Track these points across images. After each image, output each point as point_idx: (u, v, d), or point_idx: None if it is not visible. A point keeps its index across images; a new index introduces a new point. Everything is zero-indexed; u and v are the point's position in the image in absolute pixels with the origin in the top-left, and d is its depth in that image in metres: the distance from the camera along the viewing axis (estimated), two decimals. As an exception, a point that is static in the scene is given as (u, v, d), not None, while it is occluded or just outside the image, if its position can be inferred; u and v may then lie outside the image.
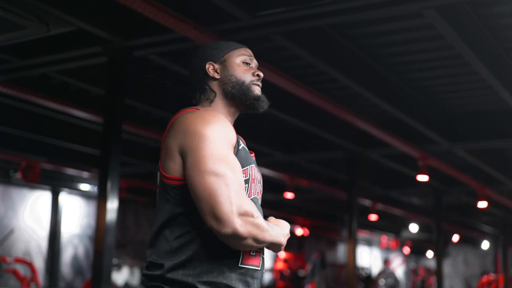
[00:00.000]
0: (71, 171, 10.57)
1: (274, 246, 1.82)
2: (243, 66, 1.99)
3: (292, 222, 16.65)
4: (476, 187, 10.46)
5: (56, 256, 11.83)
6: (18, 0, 4.15)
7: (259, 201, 1.94)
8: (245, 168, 1.84)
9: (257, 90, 1.98)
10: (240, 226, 1.69)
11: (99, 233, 4.93)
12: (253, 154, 1.96)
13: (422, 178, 8.64)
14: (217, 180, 1.71)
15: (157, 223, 1.84)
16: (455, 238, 19.14)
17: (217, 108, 1.95)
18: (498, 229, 18.25)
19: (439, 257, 12.33)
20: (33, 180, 9.54)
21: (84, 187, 11.63)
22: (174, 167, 1.80)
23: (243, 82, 1.96)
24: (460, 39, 4.64)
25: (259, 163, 2.05)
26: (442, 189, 11.78)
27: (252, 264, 1.84)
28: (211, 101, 1.97)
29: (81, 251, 12.66)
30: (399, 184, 11.74)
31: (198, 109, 1.89)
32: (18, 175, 9.53)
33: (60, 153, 9.20)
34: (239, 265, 1.80)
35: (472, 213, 15.56)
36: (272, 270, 16.59)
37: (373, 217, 13.96)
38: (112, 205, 4.96)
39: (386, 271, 17.29)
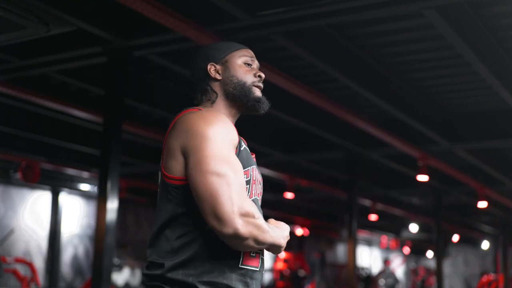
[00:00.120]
0: (71, 171, 10.57)
1: (274, 248, 1.82)
2: (245, 67, 1.99)
3: (292, 222, 16.65)
4: (476, 187, 10.46)
5: (56, 256, 11.83)
6: (18, 0, 4.14)
7: (259, 202, 1.94)
8: (246, 169, 1.84)
9: (258, 92, 1.98)
10: (241, 226, 1.69)
11: (99, 233, 4.92)
12: (253, 155, 1.96)
13: (422, 178, 8.64)
14: (219, 180, 1.71)
15: (158, 222, 1.84)
16: (455, 238, 19.14)
17: (218, 109, 1.95)
18: (498, 229, 18.25)
19: (439, 257, 12.34)
20: (33, 180, 9.54)
21: (84, 187, 11.63)
22: (176, 167, 1.80)
23: (244, 83, 1.96)
24: (460, 39, 4.64)
25: (259, 163, 2.05)
26: (442, 189, 11.78)
27: (251, 265, 1.84)
28: (213, 102, 1.97)
29: (81, 251, 12.66)
30: (399, 184, 11.74)
31: (200, 110, 1.89)
32: (18, 175, 9.53)
33: (60, 153, 9.20)
34: (239, 266, 1.80)
35: (472, 213, 15.56)
36: (272, 270, 16.60)
37: (373, 217, 13.96)
38: (112, 205, 4.95)
39: (386, 271, 17.29)
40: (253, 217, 1.72)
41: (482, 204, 10.62)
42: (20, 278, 9.91)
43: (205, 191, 1.71)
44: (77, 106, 6.71)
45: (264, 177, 2.08)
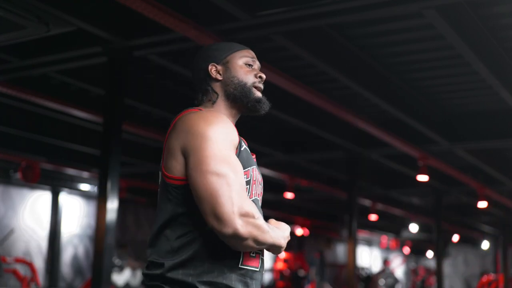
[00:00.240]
0: (71, 171, 10.57)
1: (274, 248, 1.82)
2: (245, 67, 1.99)
3: (292, 222, 16.66)
4: (476, 187, 10.46)
5: (56, 256, 11.83)
6: (18, 0, 4.14)
7: (260, 203, 1.94)
8: (246, 170, 1.84)
9: (258, 93, 1.98)
10: (241, 226, 1.69)
11: (99, 233, 4.93)
12: (254, 156, 1.96)
13: (422, 178, 8.65)
14: (219, 181, 1.71)
15: (158, 222, 1.84)
16: (455, 238, 19.14)
17: (219, 109, 1.95)
18: (498, 229, 18.25)
19: (439, 257, 12.34)
20: (33, 180, 9.55)
21: (84, 187, 11.63)
22: (176, 167, 1.80)
23: (245, 84, 1.96)
24: (460, 39, 4.64)
25: (259, 163, 2.05)
26: (442, 189, 11.78)
27: (251, 265, 1.84)
28: (213, 102, 1.97)
29: (81, 251, 12.66)
30: (399, 184, 11.74)
31: (200, 110, 1.89)
32: (18, 175, 9.53)
33: (60, 153, 9.20)
34: (239, 266, 1.81)
35: (472, 213, 15.57)
36: (272, 270, 16.59)
37: (373, 217, 13.96)
38: (112, 205, 4.95)
39: (386, 271, 17.29)
40: (253, 217, 1.72)
41: (482, 204, 10.62)
42: (20, 278, 9.91)
43: (205, 191, 1.71)
44: (77, 106, 6.72)
45: (264, 177, 2.08)
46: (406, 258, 24.05)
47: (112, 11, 4.78)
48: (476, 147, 8.21)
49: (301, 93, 6.00)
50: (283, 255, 16.24)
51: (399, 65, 6.01)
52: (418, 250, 23.43)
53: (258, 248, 1.77)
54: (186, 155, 1.78)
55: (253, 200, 1.85)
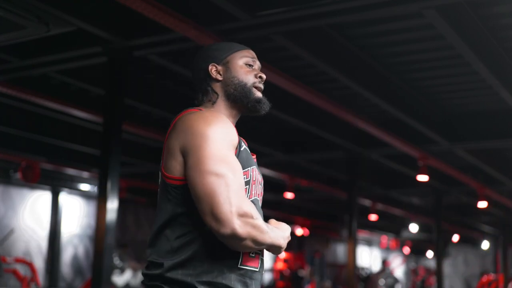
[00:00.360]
0: (71, 171, 10.57)
1: (274, 248, 1.82)
2: (246, 68, 1.98)
3: (292, 222, 16.65)
4: (476, 187, 10.46)
5: (56, 256, 11.83)
6: (18, 0, 4.14)
7: (260, 203, 1.94)
8: (246, 170, 1.84)
9: (258, 93, 1.98)
10: (239, 227, 1.68)
11: (99, 233, 4.93)
12: (254, 156, 1.96)
13: (422, 178, 8.64)
14: (217, 181, 1.71)
15: (158, 222, 1.84)
16: (455, 238, 19.13)
17: (219, 110, 1.95)
18: (498, 229, 18.25)
19: (439, 257, 12.34)
20: (33, 180, 9.54)
21: (84, 187, 11.63)
22: (175, 167, 1.80)
23: (245, 84, 1.96)
24: (460, 39, 4.64)
25: (259, 163, 2.05)
26: (442, 189, 11.78)
27: (251, 265, 1.84)
28: (213, 103, 1.96)
29: (81, 251, 12.66)
30: (399, 184, 11.74)
31: (200, 110, 1.89)
32: (18, 175, 9.53)
33: (60, 153, 9.20)
34: (239, 266, 1.80)
35: (472, 213, 15.56)
36: (272, 270, 16.59)
37: (373, 217, 13.96)
38: (112, 205, 4.95)
39: (386, 271, 17.28)
40: (252, 217, 1.71)
41: (482, 204, 10.62)
42: (20, 278, 9.91)
43: (203, 191, 1.71)
44: (77, 106, 6.72)
45: (264, 177, 2.07)
46: (406, 258, 24.05)
47: (112, 11, 4.78)
48: (476, 147, 8.21)
49: (301, 93, 6.00)
50: (283, 255, 16.24)
51: (399, 65, 6.01)
52: (418, 250, 23.42)
53: (257, 248, 1.77)
54: (185, 155, 1.78)
55: (252, 201, 1.85)
